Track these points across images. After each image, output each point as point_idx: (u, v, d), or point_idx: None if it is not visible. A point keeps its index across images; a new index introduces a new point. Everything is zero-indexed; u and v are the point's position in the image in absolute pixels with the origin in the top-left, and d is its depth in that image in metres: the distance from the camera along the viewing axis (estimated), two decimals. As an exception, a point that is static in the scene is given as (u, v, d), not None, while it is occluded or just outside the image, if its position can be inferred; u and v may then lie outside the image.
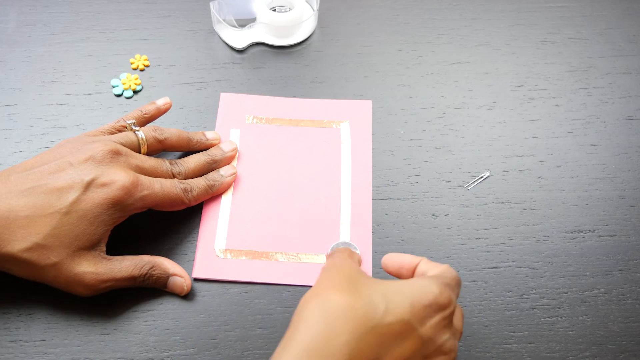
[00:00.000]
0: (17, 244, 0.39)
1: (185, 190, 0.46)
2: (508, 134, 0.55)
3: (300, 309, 0.34)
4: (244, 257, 0.47)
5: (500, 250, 0.49)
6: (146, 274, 0.43)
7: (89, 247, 0.41)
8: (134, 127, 0.47)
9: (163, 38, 0.60)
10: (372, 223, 0.50)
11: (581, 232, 0.50)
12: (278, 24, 0.59)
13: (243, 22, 0.60)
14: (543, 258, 0.48)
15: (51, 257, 0.40)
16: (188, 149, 0.51)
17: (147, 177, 0.44)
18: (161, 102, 0.51)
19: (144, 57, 0.58)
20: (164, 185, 0.45)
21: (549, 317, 0.46)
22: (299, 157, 0.53)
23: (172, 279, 0.44)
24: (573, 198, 0.52)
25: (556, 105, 0.57)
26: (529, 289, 0.47)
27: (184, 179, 0.48)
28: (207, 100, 0.56)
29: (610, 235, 0.50)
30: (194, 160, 0.49)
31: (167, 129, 0.49)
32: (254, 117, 0.55)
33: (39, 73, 0.57)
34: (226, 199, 0.50)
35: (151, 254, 0.47)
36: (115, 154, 0.43)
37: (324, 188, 0.51)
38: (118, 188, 0.41)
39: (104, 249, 0.43)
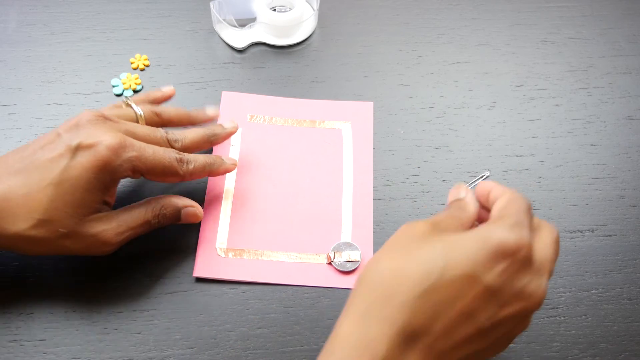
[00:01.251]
0: (22, 224, 0.39)
1: (180, 161, 0.44)
2: (508, 134, 0.55)
3: (359, 277, 0.35)
4: (245, 257, 0.47)
5: (501, 250, 0.49)
6: (159, 214, 0.44)
7: (95, 211, 0.41)
8: (129, 101, 0.46)
9: (163, 38, 0.60)
10: (373, 223, 0.50)
11: (581, 232, 0.50)
12: (278, 24, 0.59)
13: (243, 22, 0.60)
14: (543, 258, 0.48)
15: (60, 230, 0.40)
16: (188, 123, 0.49)
17: (138, 140, 0.42)
18: (166, 88, 0.51)
19: (144, 57, 0.59)
20: (157, 150, 0.43)
21: (549, 316, 0.46)
22: (300, 157, 0.53)
23: (184, 211, 0.45)
24: (573, 198, 0.52)
25: (556, 105, 0.57)
26: (529, 289, 0.47)
27: (181, 149, 0.46)
28: (207, 100, 0.56)
29: (610, 235, 0.50)
30: (192, 132, 0.47)
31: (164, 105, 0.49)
32: (255, 116, 0.55)
33: (39, 73, 0.57)
34: (227, 197, 0.50)
35: (152, 253, 0.47)
36: (103, 117, 0.42)
37: (326, 188, 0.51)
38: (104, 148, 0.40)
39: (111, 208, 0.43)
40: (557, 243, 0.37)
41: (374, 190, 0.51)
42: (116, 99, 0.56)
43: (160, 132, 0.45)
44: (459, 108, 0.57)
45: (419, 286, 0.32)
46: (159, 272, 0.46)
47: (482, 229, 0.34)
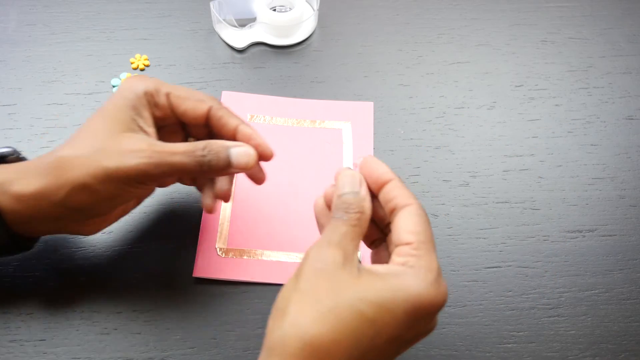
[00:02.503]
0: (58, 151, 0.39)
1: (213, 98, 0.42)
2: (508, 134, 0.55)
3: (277, 341, 0.31)
4: (245, 257, 0.47)
5: (500, 250, 0.49)
6: (204, 147, 0.38)
7: (128, 130, 0.39)
8: None
9: (163, 38, 0.60)
10: (372, 223, 0.50)
11: (581, 232, 0.50)
12: (278, 24, 0.59)
13: (243, 22, 0.60)
14: (543, 258, 0.49)
15: (91, 144, 0.38)
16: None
17: None
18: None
19: (144, 57, 0.58)
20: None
21: (549, 316, 0.46)
22: (301, 157, 0.53)
23: (234, 151, 0.39)
24: (573, 198, 0.52)
25: (556, 105, 0.57)
26: (529, 289, 0.47)
27: None
28: (207, 100, 0.56)
29: (610, 235, 0.50)
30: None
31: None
32: (256, 116, 0.55)
33: (39, 73, 0.57)
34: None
35: (152, 252, 0.47)
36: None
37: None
38: (136, 77, 0.41)
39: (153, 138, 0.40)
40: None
41: (374, 190, 0.51)
42: (116, 99, 0.56)
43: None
44: (459, 108, 0.57)
45: (349, 357, 0.30)
46: (159, 272, 0.46)
47: (408, 287, 0.32)
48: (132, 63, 0.58)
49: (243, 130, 0.42)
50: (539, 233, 0.50)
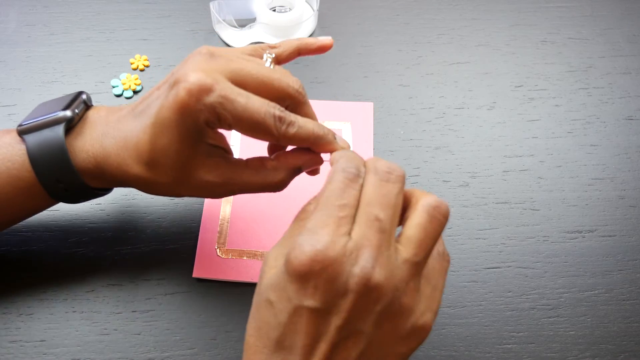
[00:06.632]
0: (136, 167, 0.37)
1: (278, 119, 0.36)
2: (508, 134, 0.55)
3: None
4: (244, 257, 0.47)
5: (500, 251, 0.49)
6: (274, 161, 0.40)
7: (201, 154, 0.37)
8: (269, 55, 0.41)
9: (163, 38, 0.60)
10: (372, 223, 0.50)
11: (581, 232, 0.50)
12: (278, 24, 0.59)
13: (243, 22, 0.60)
14: (543, 258, 0.49)
15: (167, 174, 0.36)
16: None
17: (236, 87, 0.35)
18: (323, 38, 0.43)
19: (144, 57, 0.58)
20: (252, 101, 0.35)
21: (549, 317, 0.46)
22: (299, 158, 0.53)
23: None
24: (573, 198, 0.52)
25: (556, 105, 0.57)
26: (529, 289, 0.47)
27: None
28: (207, 100, 0.56)
29: (610, 236, 0.50)
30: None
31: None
32: (254, 117, 0.55)
33: (39, 73, 0.57)
34: (227, 198, 0.50)
35: (152, 253, 0.47)
36: (210, 52, 0.36)
37: (324, 188, 0.51)
38: (182, 89, 0.34)
39: (225, 150, 0.39)
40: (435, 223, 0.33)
41: (373, 190, 0.51)
42: (116, 100, 0.56)
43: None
44: (459, 108, 0.57)
45: (265, 346, 0.32)
46: (158, 273, 0.46)
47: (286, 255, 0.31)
48: (132, 63, 0.58)
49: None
50: (538, 233, 0.50)
